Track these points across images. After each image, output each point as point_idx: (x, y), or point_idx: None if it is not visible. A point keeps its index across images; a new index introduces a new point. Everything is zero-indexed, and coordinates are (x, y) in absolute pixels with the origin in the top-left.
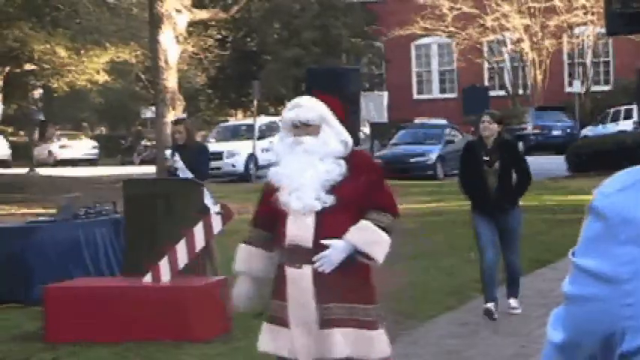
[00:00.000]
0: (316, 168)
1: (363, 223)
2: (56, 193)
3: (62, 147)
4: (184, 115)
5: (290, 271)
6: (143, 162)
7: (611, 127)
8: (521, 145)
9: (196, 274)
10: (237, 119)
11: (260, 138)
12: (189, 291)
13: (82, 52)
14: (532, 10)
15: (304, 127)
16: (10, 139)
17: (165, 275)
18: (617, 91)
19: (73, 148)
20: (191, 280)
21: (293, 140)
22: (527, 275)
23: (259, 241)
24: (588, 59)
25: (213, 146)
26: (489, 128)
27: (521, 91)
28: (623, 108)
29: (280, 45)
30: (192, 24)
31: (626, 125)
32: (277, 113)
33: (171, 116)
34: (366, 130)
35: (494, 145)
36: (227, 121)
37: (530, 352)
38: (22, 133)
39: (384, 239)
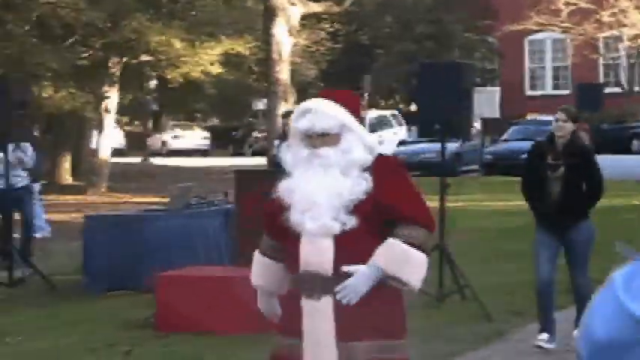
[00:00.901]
0: (337, 184)
1: (391, 242)
2: (169, 182)
3: (175, 137)
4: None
5: (306, 303)
6: (254, 153)
7: None
8: (636, 143)
9: None
10: None
11: (370, 132)
12: None
13: (197, 43)
14: None
15: (321, 138)
16: (125, 128)
17: None
18: None
19: (186, 139)
20: None
21: (309, 153)
22: None
23: (274, 251)
24: None
25: None
26: (563, 127)
27: (637, 88)
28: None
29: (392, 39)
30: (305, 17)
31: None
32: (388, 107)
33: (283, 108)
34: (477, 125)
35: (564, 147)
36: None
37: None
38: (136, 123)
39: (419, 258)
